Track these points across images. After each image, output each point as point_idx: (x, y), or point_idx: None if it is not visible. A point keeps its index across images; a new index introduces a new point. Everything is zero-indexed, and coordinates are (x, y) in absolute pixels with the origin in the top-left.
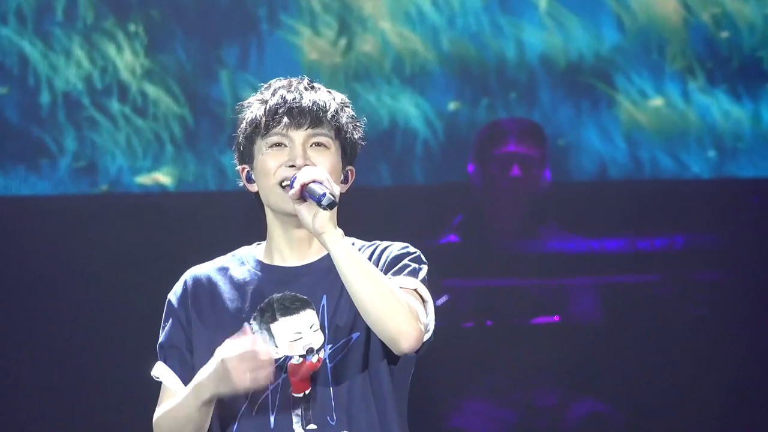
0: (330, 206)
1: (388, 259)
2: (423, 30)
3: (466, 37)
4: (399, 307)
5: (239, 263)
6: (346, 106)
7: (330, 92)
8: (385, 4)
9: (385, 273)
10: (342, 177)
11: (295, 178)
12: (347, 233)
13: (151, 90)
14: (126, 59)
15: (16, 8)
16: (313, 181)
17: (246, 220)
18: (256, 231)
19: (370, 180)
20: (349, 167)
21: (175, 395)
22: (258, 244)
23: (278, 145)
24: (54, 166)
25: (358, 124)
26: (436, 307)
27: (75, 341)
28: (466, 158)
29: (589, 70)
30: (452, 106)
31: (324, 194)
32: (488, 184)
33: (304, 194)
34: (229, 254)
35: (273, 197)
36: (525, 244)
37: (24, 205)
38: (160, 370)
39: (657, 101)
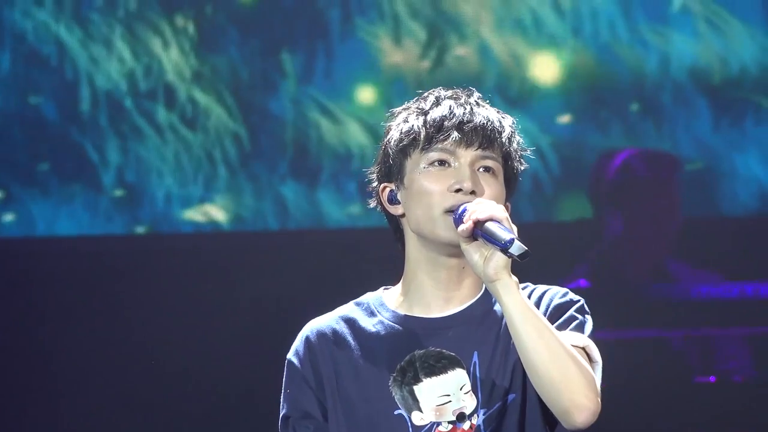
0: (522, 257)
1: (550, 308)
2: (537, 39)
3: (594, 47)
4: (578, 374)
5: (367, 313)
6: (515, 132)
7: (499, 112)
8: (490, 7)
9: None
10: None
11: (465, 210)
12: None
13: (201, 98)
14: (173, 57)
15: None
16: (491, 219)
17: (316, 264)
18: (326, 278)
19: None
20: (507, 203)
21: None
22: (385, 288)
23: (441, 163)
24: (97, 184)
25: (524, 153)
26: None
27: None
28: (583, 195)
29: (752, 85)
30: (571, 132)
31: (512, 240)
32: (628, 223)
33: (477, 232)
34: (351, 303)
35: (431, 224)
36: (662, 289)
37: (62, 245)
38: None
39: None
